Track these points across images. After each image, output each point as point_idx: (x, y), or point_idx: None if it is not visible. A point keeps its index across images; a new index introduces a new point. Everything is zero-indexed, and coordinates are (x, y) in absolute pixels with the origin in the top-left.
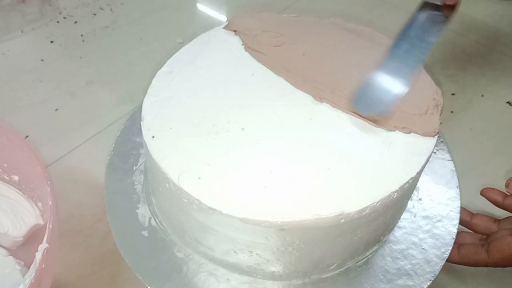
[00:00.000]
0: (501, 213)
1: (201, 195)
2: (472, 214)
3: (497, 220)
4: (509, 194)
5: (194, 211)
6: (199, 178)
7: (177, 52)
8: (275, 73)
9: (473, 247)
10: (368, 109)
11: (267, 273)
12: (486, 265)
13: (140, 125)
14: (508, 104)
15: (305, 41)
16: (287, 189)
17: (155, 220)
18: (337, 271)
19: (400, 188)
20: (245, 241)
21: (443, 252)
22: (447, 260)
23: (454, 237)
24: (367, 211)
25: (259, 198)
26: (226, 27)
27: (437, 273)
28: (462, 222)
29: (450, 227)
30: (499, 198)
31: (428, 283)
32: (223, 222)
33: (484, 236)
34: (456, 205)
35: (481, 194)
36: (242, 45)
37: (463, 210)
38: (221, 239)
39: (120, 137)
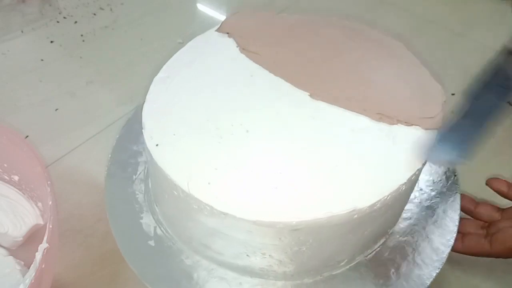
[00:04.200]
0: (504, 203)
1: (212, 201)
2: (476, 203)
3: (500, 210)
4: None
5: (204, 217)
6: (209, 183)
7: (173, 56)
8: (273, 74)
9: (477, 238)
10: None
11: (279, 274)
12: (489, 256)
13: (138, 133)
14: (508, 104)
15: (300, 40)
16: (297, 189)
17: (160, 229)
18: (347, 267)
19: (408, 180)
20: (257, 243)
21: (448, 239)
22: (451, 249)
23: (457, 224)
24: (378, 205)
25: (271, 200)
26: (218, 30)
27: (444, 261)
28: (466, 211)
29: (452, 215)
30: (504, 188)
31: (437, 271)
32: (235, 226)
33: (486, 224)
34: (456, 193)
35: (487, 184)
36: (237, 47)
37: (467, 198)
38: (232, 243)
39: (116, 146)
